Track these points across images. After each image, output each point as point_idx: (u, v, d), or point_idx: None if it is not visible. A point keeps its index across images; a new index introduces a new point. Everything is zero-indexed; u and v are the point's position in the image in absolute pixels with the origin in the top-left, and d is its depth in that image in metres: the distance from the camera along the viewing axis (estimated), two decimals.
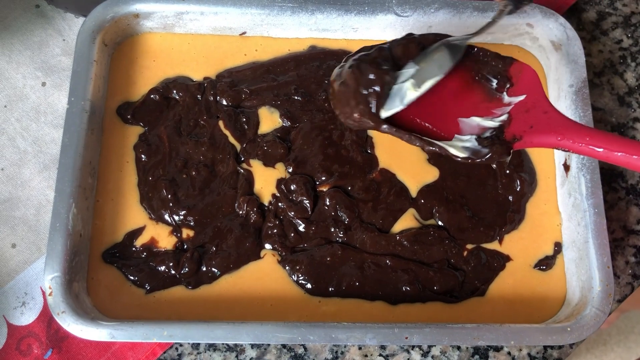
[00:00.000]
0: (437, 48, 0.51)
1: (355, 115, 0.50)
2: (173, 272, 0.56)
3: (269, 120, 0.61)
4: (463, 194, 0.60)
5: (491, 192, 0.60)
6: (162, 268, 0.56)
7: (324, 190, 0.59)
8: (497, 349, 0.58)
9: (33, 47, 0.65)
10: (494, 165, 0.61)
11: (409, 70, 0.50)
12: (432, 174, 0.61)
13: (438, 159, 0.61)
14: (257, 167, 0.60)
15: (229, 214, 0.58)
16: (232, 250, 0.57)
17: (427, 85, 0.50)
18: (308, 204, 0.58)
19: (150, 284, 0.56)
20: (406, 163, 0.61)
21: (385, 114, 0.50)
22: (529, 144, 0.50)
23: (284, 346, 0.57)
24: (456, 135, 0.51)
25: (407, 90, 0.50)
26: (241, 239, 0.57)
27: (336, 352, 0.57)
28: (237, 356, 0.56)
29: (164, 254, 0.56)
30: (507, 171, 0.60)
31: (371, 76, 0.49)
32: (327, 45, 0.64)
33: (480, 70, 0.53)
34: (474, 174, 0.61)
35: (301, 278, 0.56)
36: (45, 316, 0.56)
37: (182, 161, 0.59)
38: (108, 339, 0.51)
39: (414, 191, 0.60)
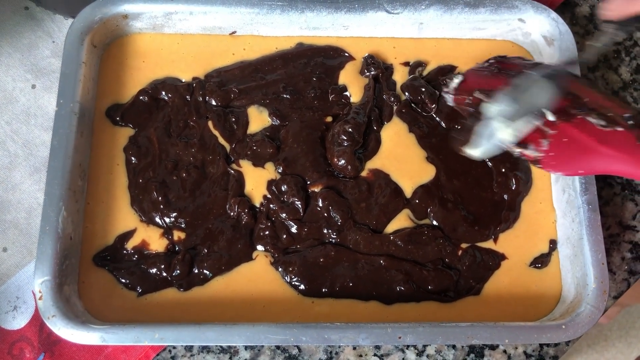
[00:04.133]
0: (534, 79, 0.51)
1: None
2: (164, 274, 0.55)
3: (258, 119, 0.61)
4: (458, 193, 0.59)
5: (487, 191, 0.60)
6: (154, 270, 0.56)
7: (316, 190, 0.59)
8: (493, 347, 0.57)
9: (22, 49, 0.64)
10: (490, 164, 0.60)
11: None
12: (428, 174, 0.60)
13: (436, 157, 0.60)
14: (247, 168, 0.59)
15: (220, 216, 0.57)
16: (223, 252, 0.56)
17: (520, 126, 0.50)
18: (300, 205, 0.57)
19: (142, 286, 0.55)
20: (402, 163, 0.60)
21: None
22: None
23: (277, 347, 0.56)
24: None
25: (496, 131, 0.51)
26: (233, 241, 0.56)
27: (330, 352, 0.56)
28: (230, 358, 0.56)
29: (155, 256, 0.56)
30: (503, 170, 0.60)
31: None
32: (315, 42, 0.64)
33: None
34: (470, 173, 0.60)
35: (294, 279, 0.56)
36: (37, 320, 0.56)
37: (172, 163, 0.59)
38: (99, 342, 0.50)
39: (408, 192, 0.59)
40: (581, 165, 0.50)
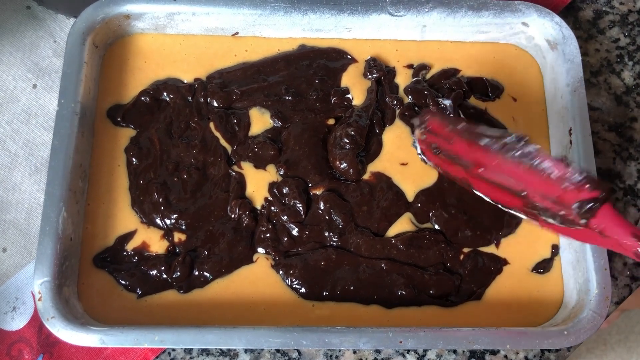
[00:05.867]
0: None
1: None
2: (165, 276, 0.55)
3: (260, 121, 0.61)
4: (461, 198, 0.59)
5: None
6: (154, 272, 0.55)
7: (317, 193, 0.58)
8: (494, 353, 0.57)
9: (24, 48, 0.64)
10: None
11: None
12: (431, 177, 0.60)
13: None
14: (248, 170, 0.59)
15: (221, 218, 0.57)
16: (224, 254, 0.56)
17: None
18: (301, 208, 0.57)
19: (142, 288, 0.55)
20: (404, 167, 0.60)
21: None
22: None
23: (277, 351, 0.56)
24: None
25: None
26: (233, 243, 0.56)
27: (331, 356, 0.56)
28: None
29: (156, 258, 0.56)
30: None
31: None
32: (318, 44, 0.64)
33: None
34: None
35: (295, 282, 0.56)
36: (36, 321, 0.56)
37: (173, 164, 0.59)
38: (98, 344, 0.50)
39: (410, 195, 0.59)
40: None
